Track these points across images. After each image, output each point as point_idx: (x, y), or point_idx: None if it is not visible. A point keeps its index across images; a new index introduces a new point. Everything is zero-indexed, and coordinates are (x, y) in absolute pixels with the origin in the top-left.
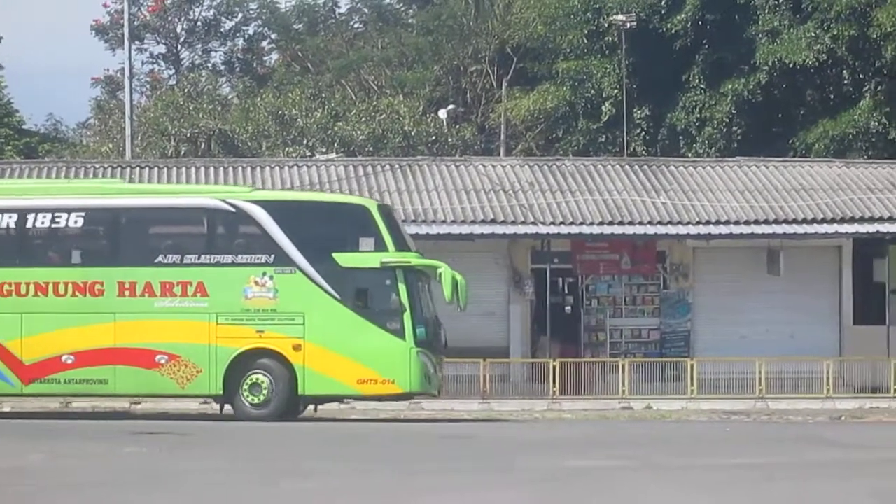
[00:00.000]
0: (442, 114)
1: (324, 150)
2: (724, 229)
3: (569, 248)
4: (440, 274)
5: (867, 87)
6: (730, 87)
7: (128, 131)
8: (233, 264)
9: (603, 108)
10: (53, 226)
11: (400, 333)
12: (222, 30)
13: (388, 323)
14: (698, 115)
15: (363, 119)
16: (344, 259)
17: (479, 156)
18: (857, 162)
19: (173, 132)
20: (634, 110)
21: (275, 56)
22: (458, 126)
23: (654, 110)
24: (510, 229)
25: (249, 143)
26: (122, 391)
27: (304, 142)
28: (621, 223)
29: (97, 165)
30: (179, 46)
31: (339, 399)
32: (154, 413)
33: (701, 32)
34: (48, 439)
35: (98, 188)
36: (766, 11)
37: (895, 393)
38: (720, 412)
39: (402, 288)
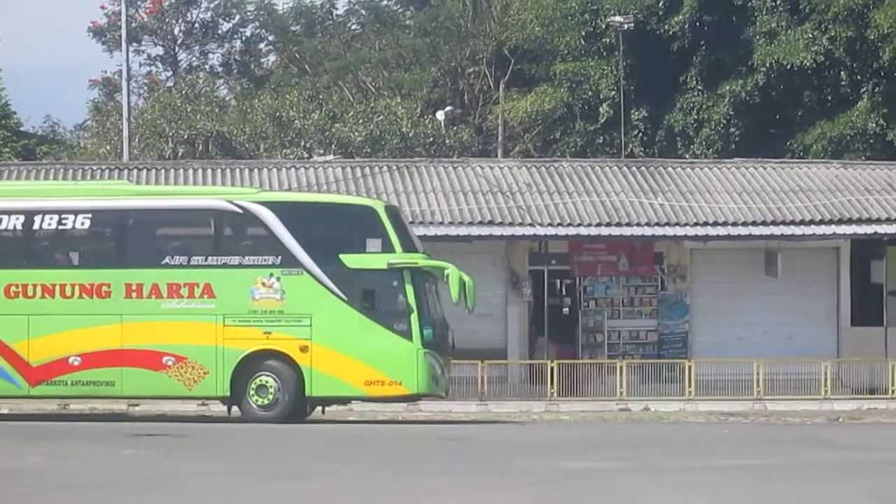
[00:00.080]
0: (439, 115)
1: (321, 151)
2: (721, 231)
3: (566, 249)
4: (447, 275)
5: (865, 89)
6: (727, 88)
7: (125, 133)
8: (240, 266)
9: (600, 109)
10: (60, 227)
11: (407, 335)
12: (220, 31)
13: (396, 324)
14: (696, 117)
15: (361, 121)
16: (351, 260)
17: (476, 157)
18: (854, 163)
19: (171, 134)
20: (632, 112)
21: (272, 58)
22: (455, 127)
23: (652, 112)
24: (508, 231)
25: (247, 145)
26: (129, 393)
27: (302, 143)
28: (619, 224)
29: (95, 167)
30: (177, 48)
31: (347, 400)
32: (152, 415)
33: (698, 34)
34: (46, 441)
35: (105, 190)
36: (764, 13)
37: (893, 394)
38: (718, 413)
39: (409, 289)
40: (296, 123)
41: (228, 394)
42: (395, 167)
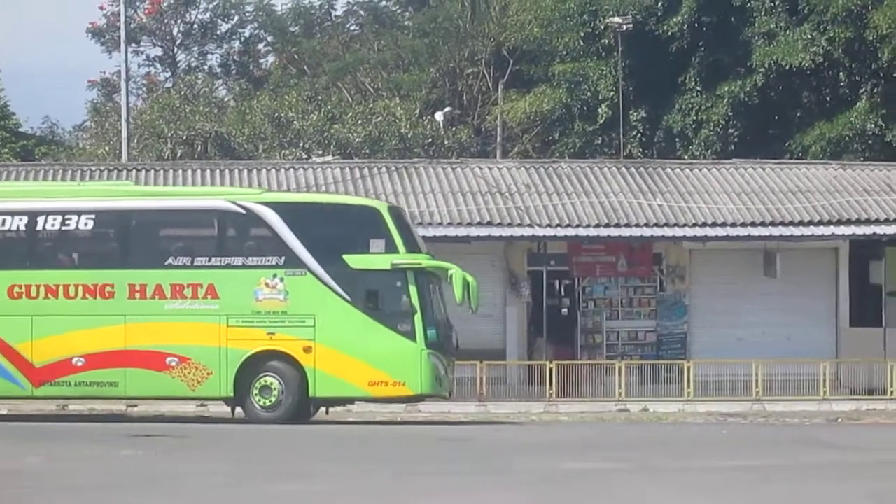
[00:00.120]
0: (438, 116)
1: (320, 152)
2: (720, 231)
3: (565, 250)
4: (451, 275)
5: (864, 89)
6: (726, 89)
7: (124, 134)
8: (243, 266)
9: (599, 110)
10: (64, 228)
11: (411, 335)
12: (218, 32)
13: (399, 325)
14: (694, 118)
15: (359, 121)
16: (354, 261)
17: (475, 158)
18: (853, 164)
19: (170, 135)
20: (631, 112)
21: (271, 58)
22: (454, 128)
23: (651, 112)
24: (506, 231)
25: (246, 146)
26: (133, 394)
27: (301, 144)
28: (618, 225)
29: (94, 168)
30: (176, 49)
31: (350, 401)
32: (151, 415)
33: (697, 34)
34: (45, 442)
35: (108, 190)
36: (763, 13)
37: (892, 395)
38: (717, 414)
39: (412, 290)
40: (294, 124)
41: (232, 395)
42: (393, 168)
